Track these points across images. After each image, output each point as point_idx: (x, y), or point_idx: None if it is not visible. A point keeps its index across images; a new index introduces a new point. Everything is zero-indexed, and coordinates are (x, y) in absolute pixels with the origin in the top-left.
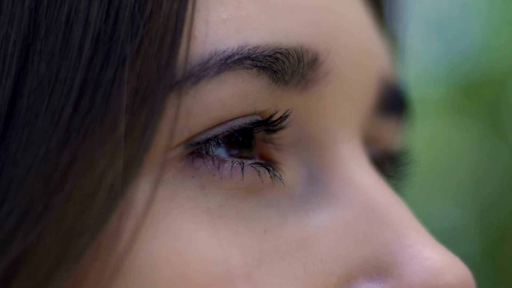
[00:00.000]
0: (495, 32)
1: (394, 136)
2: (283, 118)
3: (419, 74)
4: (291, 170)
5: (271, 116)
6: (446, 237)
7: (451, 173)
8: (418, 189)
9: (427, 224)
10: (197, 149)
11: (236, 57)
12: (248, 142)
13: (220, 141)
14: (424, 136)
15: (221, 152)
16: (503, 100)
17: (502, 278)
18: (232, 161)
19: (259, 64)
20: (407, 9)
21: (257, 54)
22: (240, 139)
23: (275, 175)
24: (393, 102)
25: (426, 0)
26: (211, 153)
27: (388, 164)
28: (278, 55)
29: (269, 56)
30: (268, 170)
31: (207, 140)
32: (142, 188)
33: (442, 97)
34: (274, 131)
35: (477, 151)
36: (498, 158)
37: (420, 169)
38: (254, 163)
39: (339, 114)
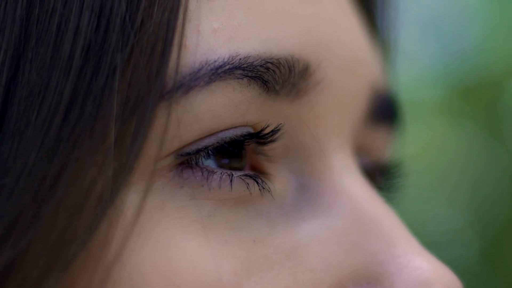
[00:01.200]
0: (492, 34)
1: (385, 145)
2: (274, 131)
3: (417, 76)
4: (281, 180)
5: (262, 130)
6: (443, 239)
7: (448, 175)
8: (415, 191)
9: (424, 226)
10: (187, 160)
11: (227, 67)
12: (239, 152)
13: (210, 152)
14: (421, 138)
15: (210, 163)
16: (500, 102)
17: (499, 281)
18: (221, 173)
19: (250, 74)
20: (400, 16)
21: (248, 64)
22: (231, 149)
23: (263, 188)
24: (384, 111)
25: (423, 2)
26: (200, 164)
27: (379, 176)
28: (269, 64)
29: (260, 66)
30: (257, 183)
31: (198, 151)
32: (131, 197)
33: (439, 99)
34: (265, 143)
35: (474, 153)
36: (495, 160)
37: (418, 171)
38: (243, 175)
39: (330, 124)
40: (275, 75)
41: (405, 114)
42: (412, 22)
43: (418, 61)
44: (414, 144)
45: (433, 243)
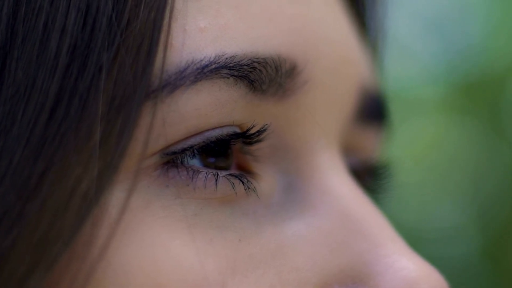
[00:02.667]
0: (495, 31)
1: (374, 145)
2: (260, 132)
3: (419, 73)
4: (268, 179)
5: (248, 130)
6: (445, 236)
7: (451, 172)
8: (418, 188)
9: (426, 223)
10: (172, 159)
11: (213, 66)
12: (225, 151)
13: (195, 152)
14: (424, 136)
15: (196, 162)
16: (503, 99)
17: (501, 278)
18: (206, 172)
19: (236, 73)
20: (392, 15)
21: (234, 63)
22: (217, 149)
23: (249, 188)
24: (373, 110)
25: (426, 0)
26: (186, 163)
27: (368, 177)
28: (255, 64)
29: (246, 65)
30: (243, 182)
31: (183, 150)
32: (116, 196)
33: (442, 97)
34: (252, 143)
35: (476, 150)
36: (497, 157)
37: (420, 169)
38: (229, 174)
39: (317, 123)
40: (262, 75)
41: (395, 113)
42: (415, 20)
43: (421, 59)
44: (416, 142)
45: (435, 240)
